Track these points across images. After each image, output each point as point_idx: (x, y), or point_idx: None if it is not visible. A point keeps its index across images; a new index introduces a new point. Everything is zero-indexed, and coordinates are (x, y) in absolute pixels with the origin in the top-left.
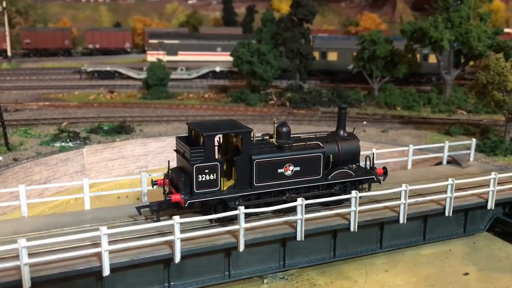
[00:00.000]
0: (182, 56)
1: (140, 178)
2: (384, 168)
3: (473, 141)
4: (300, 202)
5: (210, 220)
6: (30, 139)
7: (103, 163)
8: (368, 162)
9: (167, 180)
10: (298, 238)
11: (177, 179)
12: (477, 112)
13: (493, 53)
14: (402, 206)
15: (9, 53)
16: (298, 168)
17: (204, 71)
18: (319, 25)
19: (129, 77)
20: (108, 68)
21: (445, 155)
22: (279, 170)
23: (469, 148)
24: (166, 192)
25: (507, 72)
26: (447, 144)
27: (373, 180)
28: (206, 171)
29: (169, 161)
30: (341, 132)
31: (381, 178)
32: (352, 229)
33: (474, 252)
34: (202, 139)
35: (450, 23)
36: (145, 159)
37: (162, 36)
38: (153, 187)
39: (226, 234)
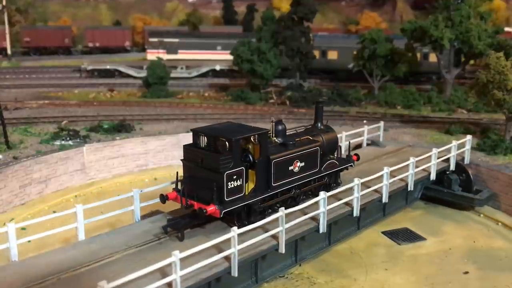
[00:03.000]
0: (182, 55)
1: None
2: (357, 155)
3: (382, 123)
4: (323, 195)
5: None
6: (30, 138)
7: (103, 161)
8: (339, 150)
9: (177, 192)
10: (321, 231)
11: (194, 189)
12: (477, 111)
13: (494, 52)
14: (384, 187)
15: (9, 52)
16: (303, 164)
17: (204, 69)
18: (319, 23)
19: (129, 76)
20: (108, 67)
21: (365, 138)
22: (290, 168)
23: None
24: (186, 206)
25: (507, 71)
26: (366, 128)
27: (352, 166)
28: (234, 177)
29: (177, 172)
30: (319, 125)
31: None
32: (355, 214)
33: (474, 250)
34: (228, 145)
35: (451, 22)
36: (145, 157)
37: (162, 35)
38: (164, 202)
39: (268, 238)
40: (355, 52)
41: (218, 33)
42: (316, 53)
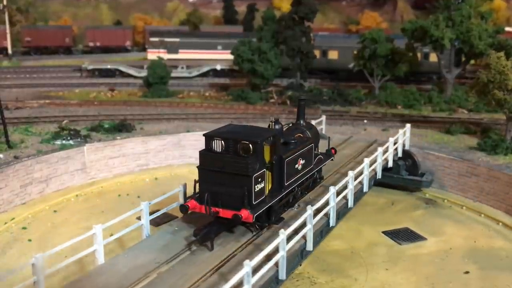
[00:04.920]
0: (183, 54)
1: (142, 210)
2: (334, 148)
3: (323, 117)
4: (332, 190)
5: (253, 230)
6: (31, 137)
7: (104, 161)
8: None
9: (196, 201)
10: (331, 225)
11: (217, 195)
12: (477, 111)
13: (494, 51)
14: (365, 177)
15: (9, 51)
16: (304, 161)
17: (205, 69)
18: (320, 23)
19: (129, 75)
20: (108, 66)
21: None
22: (295, 166)
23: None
24: (213, 214)
25: (508, 71)
26: (313, 123)
27: (332, 160)
28: (259, 180)
29: (195, 180)
30: (301, 122)
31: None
32: (349, 205)
33: (475, 250)
34: (252, 148)
35: (451, 21)
36: (146, 157)
37: (163, 34)
38: (186, 213)
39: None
40: (355, 52)
41: (219, 33)
42: (317, 53)
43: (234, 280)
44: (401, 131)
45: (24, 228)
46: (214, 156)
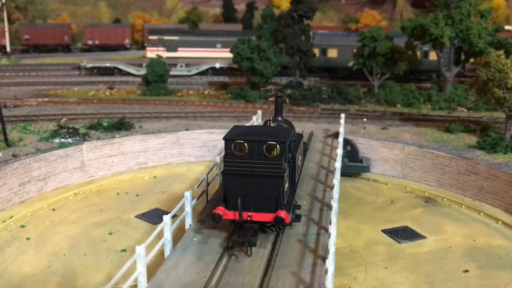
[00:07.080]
0: (182, 53)
1: (164, 224)
2: (305, 142)
3: (259, 112)
4: (337, 183)
5: (272, 229)
6: (29, 135)
7: (103, 159)
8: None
9: (224, 207)
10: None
11: (248, 199)
12: (477, 110)
13: (494, 50)
14: (338, 170)
15: (8, 49)
16: (301, 157)
17: (204, 67)
18: (319, 21)
19: (128, 74)
20: (107, 65)
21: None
22: (298, 163)
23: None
24: (246, 220)
25: (507, 69)
26: (254, 117)
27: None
28: (286, 179)
29: (223, 186)
30: (280, 119)
31: None
32: (335, 197)
33: (474, 249)
34: (280, 148)
35: (451, 20)
36: (145, 155)
37: (161, 33)
38: (219, 221)
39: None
40: (355, 50)
41: (218, 31)
42: (316, 51)
43: (329, 282)
44: (342, 121)
45: (22, 226)
46: (239, 160)
